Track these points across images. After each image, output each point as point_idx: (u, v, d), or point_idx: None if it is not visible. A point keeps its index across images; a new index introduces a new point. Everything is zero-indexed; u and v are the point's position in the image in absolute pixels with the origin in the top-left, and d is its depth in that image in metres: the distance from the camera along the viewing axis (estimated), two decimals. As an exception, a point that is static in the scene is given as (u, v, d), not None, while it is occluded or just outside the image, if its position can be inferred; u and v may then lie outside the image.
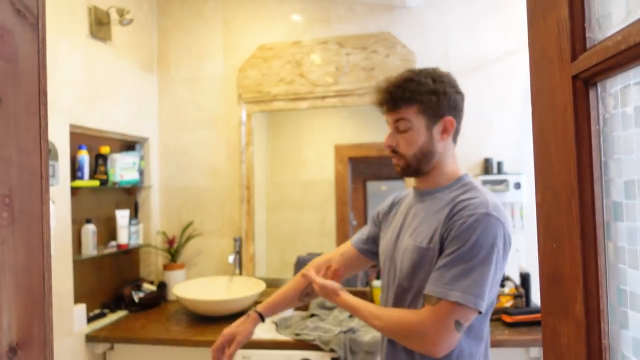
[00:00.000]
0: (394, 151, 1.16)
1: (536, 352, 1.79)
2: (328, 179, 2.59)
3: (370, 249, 1.37)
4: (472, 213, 1.03)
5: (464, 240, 1.01)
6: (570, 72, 0.40)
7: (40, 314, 0.68)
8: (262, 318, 1.38)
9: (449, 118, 1.13)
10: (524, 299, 1.96)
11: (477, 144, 2.35)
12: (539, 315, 1.86)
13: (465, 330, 1.07)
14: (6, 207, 0.63)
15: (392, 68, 2.38)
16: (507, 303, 1.96)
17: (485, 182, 2.24)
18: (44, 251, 0.69)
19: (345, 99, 2.44)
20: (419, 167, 1.15)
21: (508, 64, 2.33)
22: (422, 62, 2.39)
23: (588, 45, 0.39)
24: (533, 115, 0.46)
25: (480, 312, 1.01)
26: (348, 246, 1.41)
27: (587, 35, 0.39)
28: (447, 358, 1.06)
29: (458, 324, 0.99)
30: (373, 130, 2.62)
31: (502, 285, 2.09)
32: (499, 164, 2.28)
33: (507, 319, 1.88)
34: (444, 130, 1.13)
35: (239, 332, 1.34)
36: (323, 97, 2.45)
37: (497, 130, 2.34)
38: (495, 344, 1.74)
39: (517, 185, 2.22)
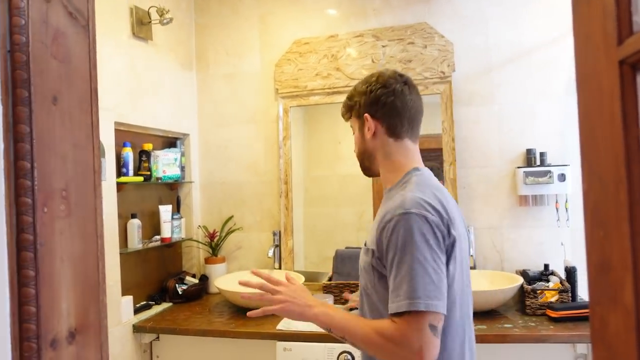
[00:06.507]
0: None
1: (583, 348, 1.75)
2: (365, 173, 2.58)
3: None
4: (391, 217, 1.02)
5: (394, 248, 1.00)
6: (617, 57, 0.39)
7: (96, 301, 0.72)
8: None
9: (366, 115, 1.17)
10: (569, 294, 1.91)
11: (519, 135, 2.30)
12: (586, 310, 1.81)
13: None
14: (63, 200, 0.67)
15: (430, 59, 2.35)
16: (552, 298, 1.91)
17: (527, 174, 2.18)
18: (97, 242, 0.73)
19: (381, 92, 2.42)
20: (368, 166, 1.23)
21: (550, 52, 2.26)
22: (461, 52, 2.35)
23: (635, 29, 0.38)
24: (579, 102, 0.46)
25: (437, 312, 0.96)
26: None
27: (634, 19, 0.38)
28: None
29: (433, 328, 0.95)
30: (410, 123, 2.59)
31: (547, 280, 2.04)
32: (542, 155, 2.22)
33: (552, 314, 1.84)
34: (368, 128, 1.17)
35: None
36: (359, 91, 2.45)
37: (539, 120, 2.28)
38: (539, 339, 1.71)
39: (562, 177, 2.16)
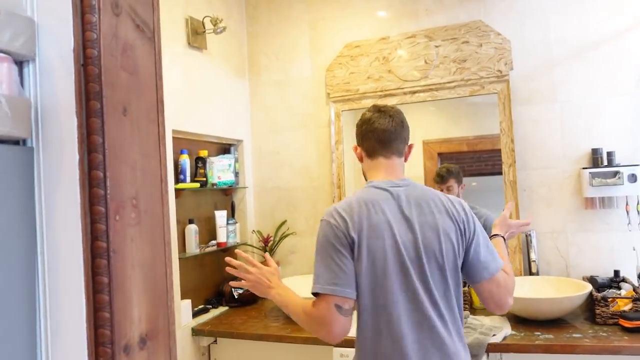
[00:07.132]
0: None
1: (661, 360, 1.63)
2: (417, 175, 2.52)
3: None
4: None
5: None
6: None
7: (164, 307, 0.73)
8: None
9: (354, 145, 1.44)
10: (644, 302, 1.79)
11: (584, 134, 2.18)
12: (664, 320, 1.68)
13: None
14: (134, 208, 0.68)
15: (486, 58, 2.28)
16: (625, 306, 1.79)
17: (594, 175, 2.06)
18: (165, 248, 0.74)
19: (435, 92, 2.37)
20: None
21: (618, 44, 2.13)
22: (518, 49, 2.26)
23: None
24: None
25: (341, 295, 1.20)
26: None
27: None
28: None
29: (339, 307, 1.19)
30: (463, 125, 2.52)
31: (618, 287, 1.92)
32: (609, 155, 2.09)
33: (626, 323, 1.72)
34: (357, 155, 1.44)
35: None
36: (412, 92, 2.40)
37: (606, 118, 2.15)
38: (612, 350, 1.61)
39: (632, 178, 2.02)
